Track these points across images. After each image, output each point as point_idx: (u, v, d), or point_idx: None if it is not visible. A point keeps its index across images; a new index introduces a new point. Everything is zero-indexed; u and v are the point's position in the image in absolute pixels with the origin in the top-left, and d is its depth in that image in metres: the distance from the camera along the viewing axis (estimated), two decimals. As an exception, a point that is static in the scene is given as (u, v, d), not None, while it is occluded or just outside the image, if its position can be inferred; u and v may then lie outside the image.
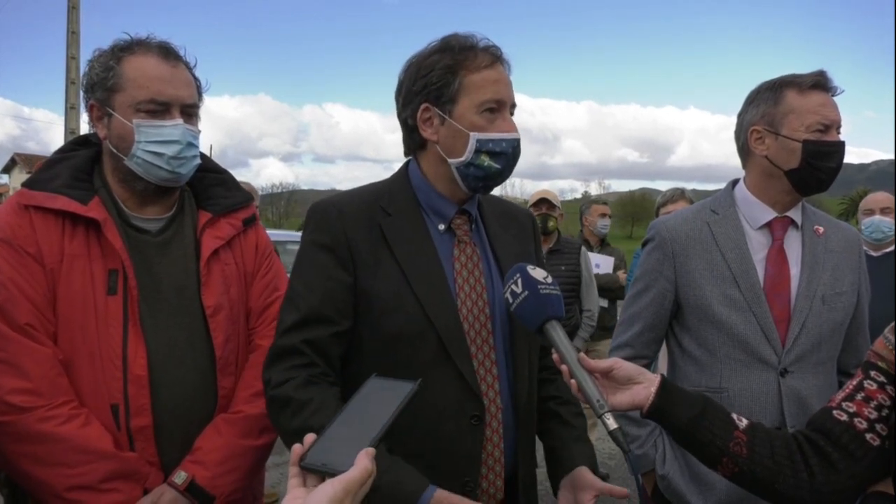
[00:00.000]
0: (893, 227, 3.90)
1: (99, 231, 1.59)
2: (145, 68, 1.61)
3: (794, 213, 1.91)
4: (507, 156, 1.49)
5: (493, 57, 1.49)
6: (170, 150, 1.62)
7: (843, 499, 1.26)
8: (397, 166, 1.68)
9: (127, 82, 1.60)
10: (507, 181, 1.59)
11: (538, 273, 1.37)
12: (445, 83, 1.45)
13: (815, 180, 1.83)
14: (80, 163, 1.68)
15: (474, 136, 1.46)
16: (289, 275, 1.63)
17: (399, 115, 1.56)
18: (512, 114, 1.52)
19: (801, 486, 1.24)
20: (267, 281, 1.86)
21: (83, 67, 1.71)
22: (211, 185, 1.84)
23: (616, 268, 5.43)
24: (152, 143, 1.61)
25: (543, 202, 4.77)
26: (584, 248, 4.90)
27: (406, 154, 1.63)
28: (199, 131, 1.72)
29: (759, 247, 1.90)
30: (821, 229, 1.93)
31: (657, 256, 1.96)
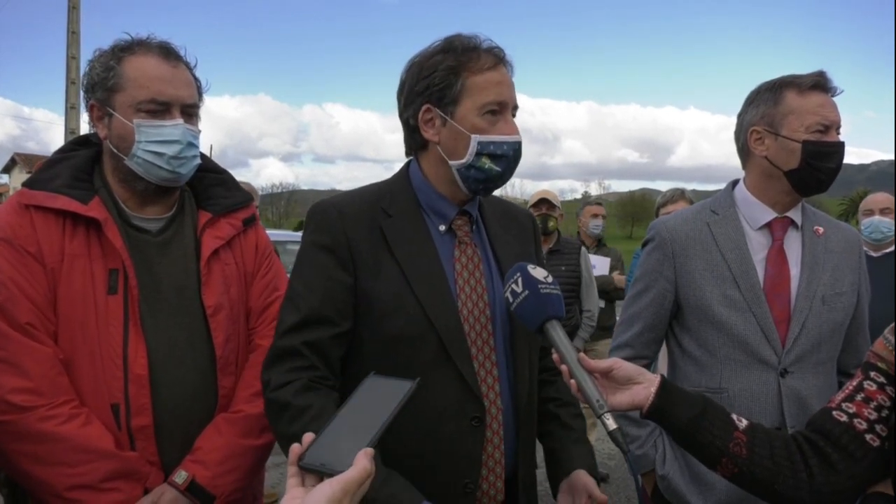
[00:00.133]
0: (893, 228, 3.90)
1: (99, 231, 1.60)
2: (146, 68, 1.61)
3: (794, 214, 1.91)
4: (508, 158, 1.48)
5: (497, 58, 1.48)
6: (170, 150, 1.62)
7: (842, 499, 1.26)
8: (397, 166, 1.68)
9: (127, 82, 1.60)
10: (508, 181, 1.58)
11: (539, 272, 1.36)
12: (448, 84, 1.44)
13: (815, 181, 1.83)
14: (81, 163, 1.69)
15: (475, 139, 1.45)
16: (289, 275, 1.63)
17: (401, 115, 1.55)
18: (514, 115, 1.51)
19: (800, 486, 1.24)
20: (267, 281, 1.86)
21: (83, 67, 1.72)
22: (211, 185, 1.84)
23: (613, 268, 5.40)
24: (153, 142, 1.61)
25: (543, 202, 4.77)
26: (583, 249, 4.89)
27: (407, 154, 1.62)
28: (200, 131, 1.72)
29: (759, 247, 1.90)
30: (821, 230, 1.93)
31: (657, 257, 1.96)
